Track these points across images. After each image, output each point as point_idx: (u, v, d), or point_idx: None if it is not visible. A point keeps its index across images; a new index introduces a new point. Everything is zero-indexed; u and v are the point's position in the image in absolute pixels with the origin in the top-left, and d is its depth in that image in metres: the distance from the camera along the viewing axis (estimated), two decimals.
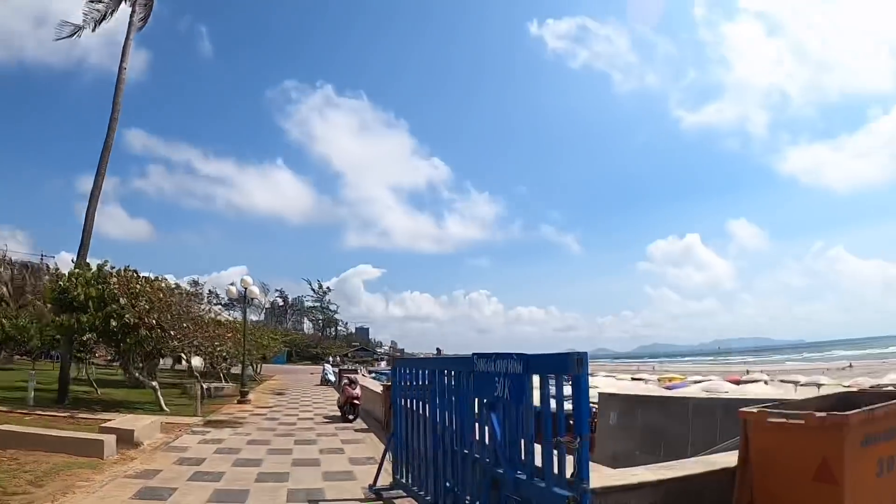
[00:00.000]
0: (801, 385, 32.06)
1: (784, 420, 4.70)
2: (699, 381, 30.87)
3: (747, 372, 48.97)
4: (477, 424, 5.47)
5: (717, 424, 9.31)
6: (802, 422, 4.51)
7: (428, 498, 6.44)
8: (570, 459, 4.17)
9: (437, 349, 46.55)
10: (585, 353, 4.11)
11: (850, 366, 65.01)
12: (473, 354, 5.35)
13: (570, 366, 4.10)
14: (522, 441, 4.71)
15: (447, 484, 5.98)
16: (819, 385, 29.80)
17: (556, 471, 4.26)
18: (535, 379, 4.57)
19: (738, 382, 31.62)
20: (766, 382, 32.87)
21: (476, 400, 5.45)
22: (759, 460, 4.88)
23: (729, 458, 5.45)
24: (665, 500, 4.89)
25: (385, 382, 16.49)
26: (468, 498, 5.55)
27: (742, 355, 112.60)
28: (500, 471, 4.81)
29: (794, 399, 7.00)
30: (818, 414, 4.51)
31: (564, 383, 4.32)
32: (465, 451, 5.60)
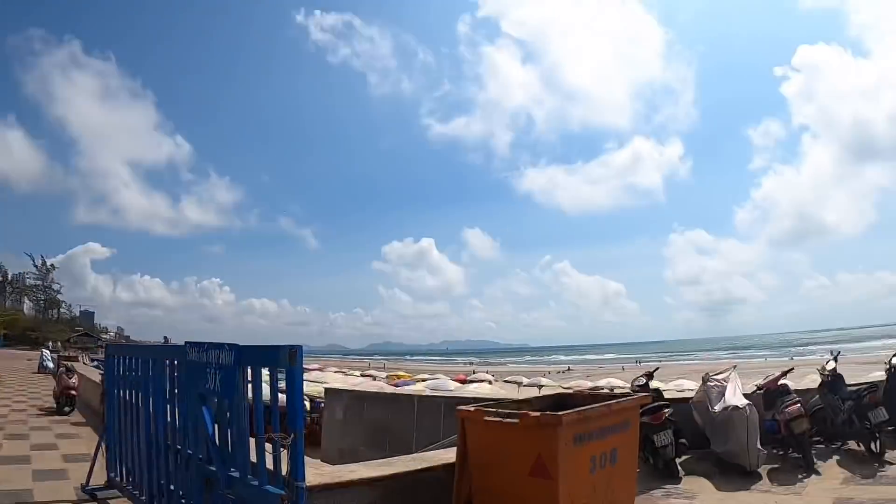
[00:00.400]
0: (524, 386, 34.84)
1: (501, 419, 4.82)
2: (426, 380, 32.04)
3: (473, 372, 52.05)
4: (190, 419, 4.97)
5: (441, 421, 9.66)
6: (518, 421, 4.64)
7: (143, 498, 5.85)
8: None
9: (165, 338, 43.76)
10: (300, 346, 3.89)
11: (570, 369, 72.35)
12: (186, 343, 4.88)
13: (283, 358, 3.84)
14: (234, 437, 4.37)
15: (161, 482, 5.46)
16: (540, 386, 32.55)
17: (270, 468, 3.97)
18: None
19: (463, 381, 33.17)
20: (490, 382, 35.09)
21: (189, 393, 4.95)
22: (477, 457, 4.99)
23: (448, 455, 5.56)
24: (384, 496, 4.88)
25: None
26: (183, 498, 5.09)
27: (469, 356, 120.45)
28: (213, 468, 4.44)
29: (513, 398, 7.39)
30: (533, 413, 4.68)
31: (279, 377, 4.04)
32: (179, 447, 5.12)
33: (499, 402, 5.92)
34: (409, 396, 11.61)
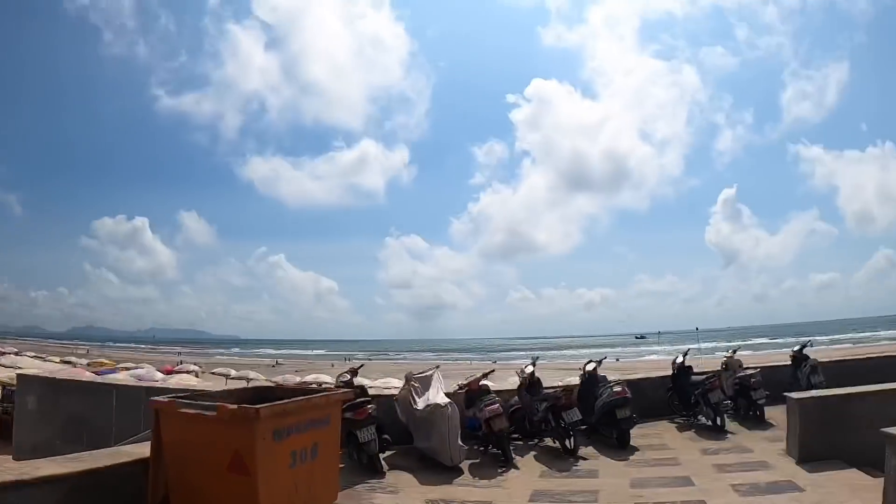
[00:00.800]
0: (231, 378, 33.57)
1: (198, 411, 4.61)
2: (130, 369, 29.74)
3: (181, 363, 49.36)
4: None
5: (142, 413, 8.80)
6: (215, 413, 4.44)
7: None
8: None
9: None
10: None
11: (278, 363, 71.14)
12: None
13: None
14: None
15: None
16: (249, 379, 31.54)
17: None
18: None
19: (170, 372, 31.61)
20: (196, 374, 33.49)
21: None
22: (173, 451, 4.76)
23: (145, 449, 5.12)
24: (70, 495, 4.35)
25: None
26: None
27: (177, 346, 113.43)
28: None
29: (211, 390, 7.09)
30: (230, 406, 4.52)
31: None
32: None
33: (197, 394, 5.75)
34: (109, 386, 10.85)
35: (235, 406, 4.51)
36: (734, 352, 11.82)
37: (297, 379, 28.74)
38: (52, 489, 4.24)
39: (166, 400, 4.91)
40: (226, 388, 14.97)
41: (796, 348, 12.26)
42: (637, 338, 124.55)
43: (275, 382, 20.39)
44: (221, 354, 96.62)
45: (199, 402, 4.82)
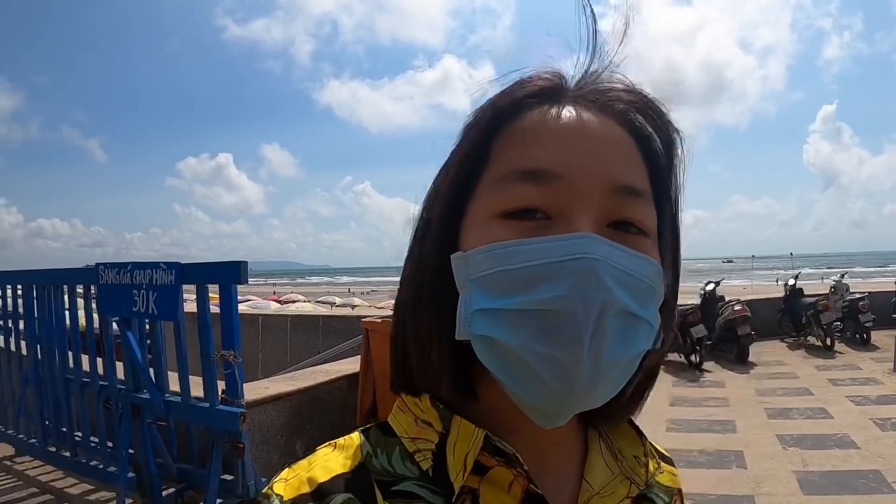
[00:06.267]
0: (337, 305, 35.13)
1: None
2: (241, 301, 31.32)
3: (274, 293, 51.51)
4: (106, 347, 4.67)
5: (287, 339, 10.40)
6: None
7: (33, 441, 5.38)
8: None
9: None
10: (245, 261, 3.82)
11: (374, 290, 73.59)
12: (98, 265, 4.47)
13: (233, 274, 3.81)
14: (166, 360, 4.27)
15: (49, 425, 5.13)
16: (353, 306, 32.99)
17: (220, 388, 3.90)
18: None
19: (280, 302, 32.82)
20: (308, 302, 34.99)
21: (101, 319, 4.62)
22: (380, 366, 5.17)
23: (347, 367, 5.82)
24: (296, 409, 4.99)
25: None
26: (78, 434, 4.86)
27: (270, 278, 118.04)
28: (144, 395, 4.20)
29: None
30: None
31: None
32: (87, 380, 4.80)
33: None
34: (253, 317, 11.72)
35: None
36: (842, 276, 12.30)
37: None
38: (283, 405, 4.87)
39: (379, 320, 5.48)
40: (332, 312, 16.05)
41: None
42: (724, 262, 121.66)
43: (379, 308, 21.66)
44: (314, 284, 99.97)
45: None
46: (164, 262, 4.07)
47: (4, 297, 5.66)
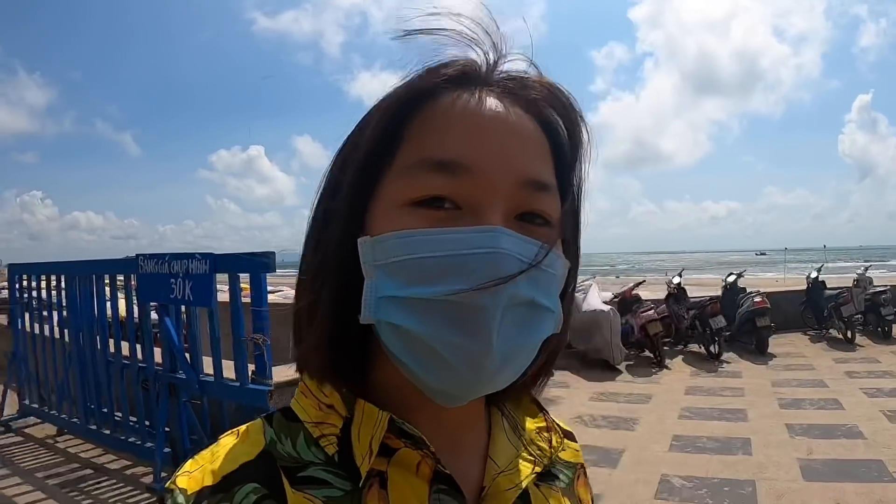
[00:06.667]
0: None
1: None
2: (273, 291, 31.95)
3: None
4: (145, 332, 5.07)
5: None
6: None
7: (74, 420, 5.75)
8: None
9: None
10: (273, 252, 4.11)
11: None
12: (138, 256, 4.83)
13: (263, 264, 4.08)
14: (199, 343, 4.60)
15: (90, 405, 5.53)
16: None
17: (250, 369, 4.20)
18: None
19: None
20: None
21: (141, 305, 5.01)
22: None
23: None
24: None
25: None
26: (118, 413, 5.22)
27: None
28: (181, 375, 4.55)
29: None
30: None
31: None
32: (126, 363, 5.17)
33: None
34: (285, 305, 11.75)
35: None
36: (866, 269, 12.30)
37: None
38: None
39: None
40: None
41: None
42: (757, 254, 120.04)
43: None
44: None
45: None
46: (198, 253, 4.40)
47: (49, 287, 6.04)
